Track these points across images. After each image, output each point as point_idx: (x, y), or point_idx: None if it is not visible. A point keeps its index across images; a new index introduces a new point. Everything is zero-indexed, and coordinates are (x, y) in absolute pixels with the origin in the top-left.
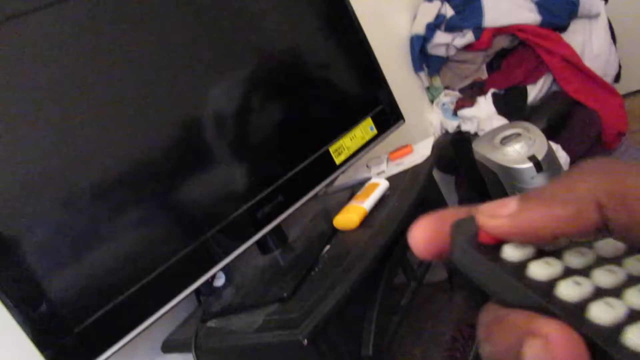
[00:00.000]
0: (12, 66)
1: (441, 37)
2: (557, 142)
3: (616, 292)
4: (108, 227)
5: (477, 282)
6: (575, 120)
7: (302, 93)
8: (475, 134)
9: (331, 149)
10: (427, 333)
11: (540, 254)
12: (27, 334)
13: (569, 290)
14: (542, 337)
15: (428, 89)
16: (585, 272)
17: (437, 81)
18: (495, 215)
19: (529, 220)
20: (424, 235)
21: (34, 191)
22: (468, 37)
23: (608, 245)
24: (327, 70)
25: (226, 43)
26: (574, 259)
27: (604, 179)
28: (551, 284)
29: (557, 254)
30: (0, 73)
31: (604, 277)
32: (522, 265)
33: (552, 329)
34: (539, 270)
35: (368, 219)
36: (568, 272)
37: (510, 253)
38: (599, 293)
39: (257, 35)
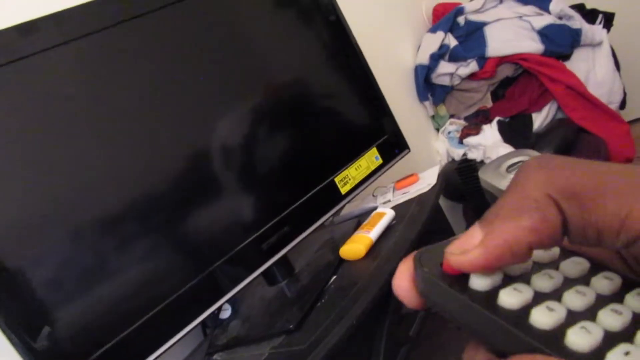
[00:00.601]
0: (19, 101)
1: (445, 66)
2: None
3: (590, 314)
4: (114, 260)
5: (446, 315)
6: (582, 147)
7: (308, 124)
8: (482, 162)
9: (337, 179)
10: None
11: (508, 280)
12: None
13: (543, 318)
14: None
15: (433, 117)
16: (555, 295)
17: (442, 110)
18: (465, 250)
19: (500, 241)
20: (409, 283)
21: (40, 224)
22: (472, 66)
23: (573, 265)
24: (332, 101)
25: (232, 76)
26: (542, 282)
27: (552, 177)
28: (524, 311)
29: (525, 278)
30: (8, 109)
31: (575, 299)
32: (491, 295)
33: None
34: (510, 298)
35: (374, 249)
36: (539, 297)
37: (479, 282)
38: (574, 317)
39: (262, 67)
